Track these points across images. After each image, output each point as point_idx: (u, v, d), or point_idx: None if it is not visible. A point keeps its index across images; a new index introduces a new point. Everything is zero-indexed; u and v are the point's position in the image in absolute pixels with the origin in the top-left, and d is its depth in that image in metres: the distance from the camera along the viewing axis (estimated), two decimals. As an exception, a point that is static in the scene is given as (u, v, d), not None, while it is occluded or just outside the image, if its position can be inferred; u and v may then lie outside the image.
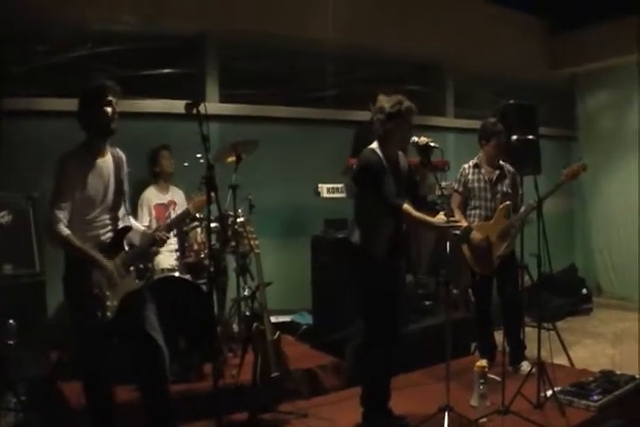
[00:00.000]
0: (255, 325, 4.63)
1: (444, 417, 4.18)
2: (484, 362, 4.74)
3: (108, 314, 3.64)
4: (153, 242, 3.93)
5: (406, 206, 4.20)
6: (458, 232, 4.57)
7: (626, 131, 9.39)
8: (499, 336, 5.66)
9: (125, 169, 3.99)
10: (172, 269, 5.32)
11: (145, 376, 3.89)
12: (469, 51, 8.28)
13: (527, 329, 5.52)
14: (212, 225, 4.85)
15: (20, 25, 5.59)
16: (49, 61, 5.86)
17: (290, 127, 7.21)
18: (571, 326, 7.96)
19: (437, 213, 4.27)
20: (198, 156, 4.65)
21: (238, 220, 5.01)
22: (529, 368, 4.99)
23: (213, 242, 5.07)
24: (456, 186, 5.69)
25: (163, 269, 5.34)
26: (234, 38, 6.81)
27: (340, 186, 6.41)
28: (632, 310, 8.36)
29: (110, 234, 3.83)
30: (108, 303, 3.65)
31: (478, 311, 5.80)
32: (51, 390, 4.82)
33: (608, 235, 9.84)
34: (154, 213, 5.79)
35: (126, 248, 3.85)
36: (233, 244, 5.25)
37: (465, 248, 5.54)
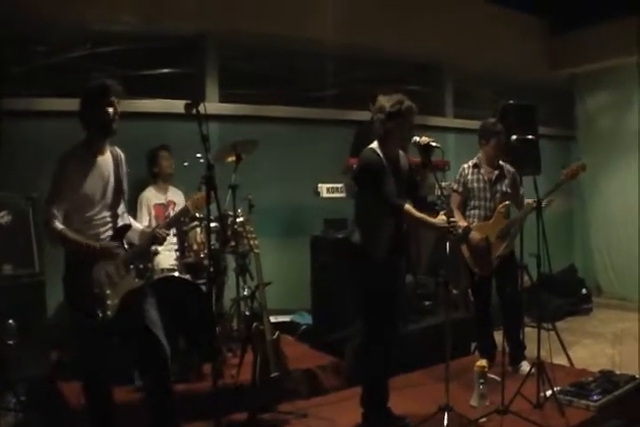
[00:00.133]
0: (255, 324, 4.63)
1: (443, 417, 4.18)
2: (483, 362, 4.73)
3: (109, 313, 3.63)
4: (153, 240, 3.93)
5: (408, 207, 4.20)
6: (459, 231, 4.58)
7: (625, 131, 9.39)
8: (498, 336, 5.66)
9: (125, 168, 3.99)
10: (172, 269, 5.31)
11: (148, 373, 3.90)
12: (469, 51, 8.28)
13: (527, 329, 5.52)
14: (212, 225, 4.86)
15: (20, 25, 5.59)
16: (49, 61, 5.86)
17: (289, 127, 7.21)
18: (570, 326, 7.96)
19: (437, 213, 4.27)
20: (198, 155, 4.66)
21: (238, 220, 5.02)
22: (528, 368, 4.99)
23: (213, 242, 5.07)
24: (455, 186, 5.70)
25: (162, 269, 5.33)
26: (233, 38, 6.81)
27: (339, 186, 6.41)
28: (632, 310, 8.35)
29: (110, 232, 3.83)
30: (109, 302, 3.65)
31: (478, 311, 5.80)
32: (50, 390, 4.82)
33: (607, 235, 9.84)
34: (153, 212, 5.78)
35: (126, 247, 3.86)
36: (232, 244, 5.25)
37: (464, 248, 5.54)
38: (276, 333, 4.69)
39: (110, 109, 3.72)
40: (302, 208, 7.09)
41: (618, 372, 5.28)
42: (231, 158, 5.42)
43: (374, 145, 4.31)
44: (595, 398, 4.64)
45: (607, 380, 5.00)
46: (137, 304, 3.79)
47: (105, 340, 3.81)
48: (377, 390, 4.42)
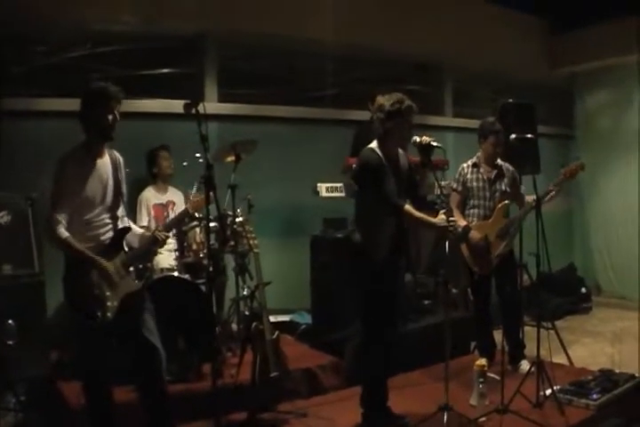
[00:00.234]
0: (254, 324, 4.64)
1: (443, 416, 4.19)
2: (483, 361, 4.73)
3: (109, 314, 3.64)
4: (153, 242, 3.94)
5: (407, 207, 4.19)
6: (458, 230, 4.58)
7: (625, 130, 9.40)
8: (498, 335, 5.67)
9: (123, 170, 4.00)
10: (171, 269, 5.31)
11: (142, 378, 3.91)
12: (469, 50, 8.29)
13: (526, 328, 5.53)
14: (211, 225, 4.87)
15: (20, 25, 5.60)
16: (48, 61, 5.86)
17: (289, 127, 7.22)
18: (570, 325, 7.97)
19: (437, 212, 4.27)
20: (197, 155, 4.66)
21: (237, 219, 5.02)
22: (528, 367, 4.99)
23: (212, 242, 5.07)
24: (455, 185, 5.69)
25: (162, 269, 5.34)
26: (233, 38, 6.81)
27: (339, 185, 6.40)
28: (631, 308, 8.36)
29: (110, 233, 3.84)
30: (109, 304, 3.65)
31: (477, 310, 5.80)
32: (50, 390, 4.83)
33: (607, 234, 9.85)
34: (152, 212, 5.78)
35: (125, 249, 3.86)
36: (232, 243, 5.25)
37: (464, 247, 5.54)
38: (276, 332, 4.68)
39: (110, 117, 3.72)
40: (302, 208, 7.09)
41: (617, 371, 5.28)
42: (230, 158, 5.42)
43: (374, 145, 4.30)
44: (594, 396, 4.63)
45: (607, 379, 5.00)
46: (135, 307, 3.80)
47: (105, 340, 3.81)
48: (377, 389, 4.42)
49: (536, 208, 4.70)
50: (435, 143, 4.24)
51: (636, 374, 5.15)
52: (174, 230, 5.18)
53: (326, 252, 6.05)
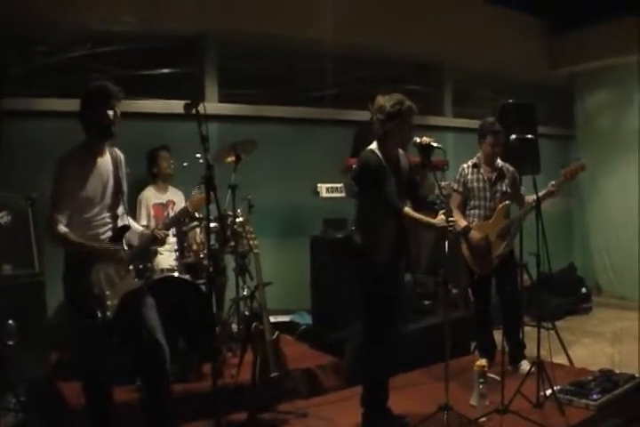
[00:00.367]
0: (254, 324, 4.64)
1: (443, 416, 4.19)
2: (483, 361, 4.73)
3: (108, 314, 3.64)
4: (152, 240, 3.94)
5: (407, 209, 4.19)
6: (457, 229, 4.58)
7: (625, 130, 9.39)
8: (498, 336, 5.67)
9: (124, 169, 4.00)
10: (172, 270, 5.31)
11: (146, 374, 3.91)
12: (469, 50, 8.29)
13: (526, 328, 5.52)
14: (212, 225, 4.87)
15: (20, 26, 5.60)
16: (48, 62, 5.86)
17: (289, 127, 7.22)
18: (570, 325, 7.97)
19: (437, 212, 4.27)
20: (197, 155, 4.66)
21: (237, 220, 5.02)
22: (528, 367, 5.00)
23: (212, 242, 5.08)
24: (455, 186, 5.69)
25: (162, 270, 5.33)
26: (233, 38, 6.81)
27: (339, 186, 6.39)
28: (631, 309, 8.36)
29: (110, 233, 3.84)
30: (109, 303, 3.65)
31: (477, 311, 5.80)
32: (50, 390, 4.83)
33: (607, 234, 9.85)
34: (152, 212, 5.79)
35: (125, 248, 3.86)
36: (232, 244, 5.25)
37: (464, 248, 5.54)
38: (276, 333, 4.69)
39: (110, 113, 3.72)
40: (302, 208, 7.09)
41: (617, 371, 5.28)
42: (231, 158, 5.42)
43: (373, 146, 4.29)
44: (594, 397, 4.63)
45: (607, 379, 5.00)
46: (136, 305, 3.80)
47: (105, 340, 3.81)
48: (377, 390, 4.41)
49: (536, 208, 4.70)
50: (435, 144, 4.23)
51: (636, 375, 5.15)
52: (174, 231, 5.19)
53: (326, 252, 6.05)
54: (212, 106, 6.24)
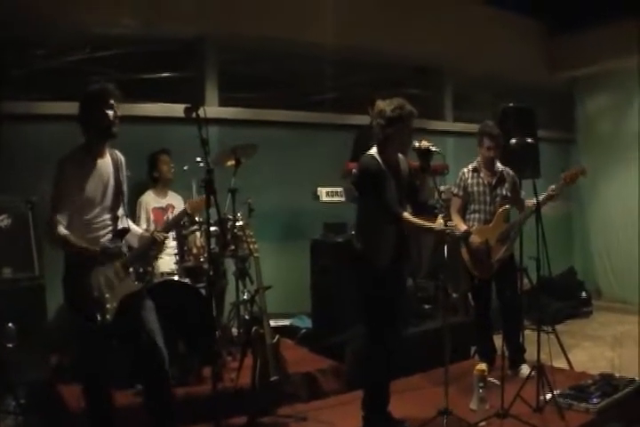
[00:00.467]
0: (254, 328, 4.64)
1: (443, 421, 4.18)
2: (483, 366, 4.72)
3: (108, 317, 3.64)
4: (152, 243, 3.94)
5: (405, 214, 4.18)
6: (456, 233, 4.57)
7: (625, 134, 9.39)
8: (498, 340, 5.66)
9: (124, 171, 4.00)
10: (172, 273, 5.31)
11: (146, 377, 3.90)
12: (469, 54, 8.29)
13: (526, 332, 5.52)
14: (212, 229, 4.86)
15: (20, 29, 5.60)
16: (48, 65, 5.86)
17: (289, 131, 7.23)
18: (570, 329, 7.97)
19: (436, 216, 4.27)
20: (198, 159, 4.66)
21: (237, 223, 5.02)
22: (528, 371, 4.99)
23: (213, 246, 5.07)
24: (456, 190, 5.68)
25: (162, 273, 5.33)
26: (233, 42, 6.82)
27: (339, 190, 6.39)
28: (632, 313, 8.36)
29: (110, 235, 3.84)
30: (108, 306, 3.65)
31: (477, 315, 5.79)
32: (50, 393, 4.82)
33: (607, 238, 9.84)
34: (152, 216, 5.78)
35: (125, 250, 3.86)
36: (232, 247, 5.25)
37: (464, 252, 5.54)
38: (276, 336, 4.69)
39: (110, 112, 3.73)
40: (302, 212, 7.09)
41: (617, 375, 5.27)
42: (231, 162, 5.42)
43: (373, 151, 4.28)
44: (594, 401, 4.62)
45: (607, 383, 4.99)
46: (135, 308, 3.80)
47: (105, 343, 3.81)
48: (378, 394, 4.41)
49: (536, 212, 4.70)
50: (434, 148, 4.23)
51: (637, 379, 5.13)
52: (174, 234, 5.19)
53: (326, 256, 6.05)
54: (212, 110, 6.25)
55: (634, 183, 8.92)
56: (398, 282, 4.43)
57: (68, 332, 4.14)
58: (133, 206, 5.63)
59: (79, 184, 3.69)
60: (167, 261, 5.37)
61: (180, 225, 4.90)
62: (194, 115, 3.58)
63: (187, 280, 5.16)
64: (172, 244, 5.26)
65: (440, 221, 4.15)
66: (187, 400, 4.56)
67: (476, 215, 5.57)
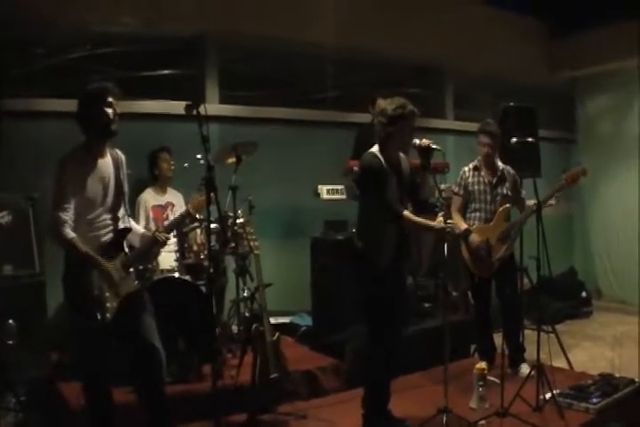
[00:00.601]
0: (254, 326, 4.64)
1: (442, 419, 4.18)
2: (483, 364, 4.72)
3: (108, 315, 3.64)
4: (153, 243, 3.93)
5: (406, 212, 4.18)
6: (456, 231, 4.57)
7: (625, 135, 9.39)
8: (498, 339, 5.66)
9: (125, 170, 3.99)
10: (172, 270, 5.32)
11: (141, 379, 3.90)
12: (469, 53, 8.29)
13: (527, 332, 5.51)
14: (212, 226, 4.87)
15: (20, 27, 5.60)
16: (48, 63, 5.86)
17: (289, 129, 7.23)
18: (570, 329, 7.97)
19: (437, 215, 4.27)
20: (198, 157, 4.66)
21: (238, 221, 5.02)
22: (528, 371, 4.98)
23: (213, 243, 5.07)
24: (456, 189, 5.68)
25: (162, 270, 5.34)
26: (233, 40, 6.82)
27: (339, 187, 6.40)
28: (632, 313, 8.37)
29: (111, 235, 3.83)
30: (108, 305, 3.65)
31: (477, 314, 5.79)
32: (50, 390, 4.82)
33: (607, 238, 9.84)
34: (151, 214, 5.79)
35: (126, 250, 3.86)
36: (232, 245, 5.24)
37: (464, 251, 5.54)
38: (276, 334, 4.69)
39: (109, 110, 3.72)
40: (302, 210, 7.10)
41: (617, 375, 5.27)
42: (231, 160, 5.42)
43: (375, 149, 4.28)
44: (594, 400, 4.62)
45: (607, 383, 4.99)
46: (135, 309, 3.80)
47: (104, 341, 3.80)
48: (378, 392, 4.41)
49: (537, 212, 4.70)
50: (434, 146, 4.23)
51: (636, 379, 5.13)
52: (175, 231, 5.19)
53: (327, 254, 6.06)
54: (212, 107, 6.22)
55: (634, 184, 8.92)
56: (398, 281, 4.43)
57: (68, 329, 4.13)
58: (133, 204, 5.63)
59: (80, 183, 3.68)
60: (167, 258, 5.37)
61: (181, 225, 4.91)
62: (194, 112, 3.57)
63: (187, 277, 5.16)
64: (172, 240, 5.25)
65: (440, 219, 4.15)
66: (187, 398, 4.56)
67: (477, 214, 5.57)
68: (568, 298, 8.82)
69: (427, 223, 4.19)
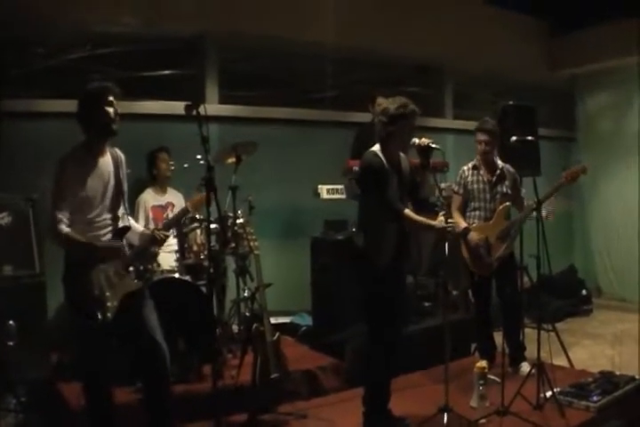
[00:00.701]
0: (255, 326, 4.64)
1: (443, 418, 4.19)
2: (483, 363, 4.72)
3: (108, 315, 3.63)
4: (152, 241, 3.93)
5: (407, 211, 4.18)
6: (455, 230, 4.56)
7: (625, 133, 9.40)
8: (498, 337, 5.66)
9: (125, 169, 4.00)
10: (172, 271, 5.31)
11: (146, 376, 3.90)
12: (469, 52, 8.30)
13: (527, 330, 5.51)
14: (212, 226, 4.87)
15: (20, 27, 5.60)
16: (48, 63, 5.86)
17: (289, 129, 7.23)
18: (570, 327, 7.97)
19: (437, 214, 4.27)
20: (198, 157, 4.66)
21: (238, 221, 5.01)
22: (528, 369, 4.98)
23: (213, 243, 5.08)
24: (456, 188, 5.68)
25: (162, 271, 5.32)
26: (233, 40, 6.82)
27: (339, 187, 6.39)
28: (632, 311, 8.36)
29: (110, 234, 3.83)
30: (109, 304, 3.64)
31: (478, 312, 5.79)
32: (51, 391, 4.82)
33: (607, 236, 9.85)
34: (151, 214, 5.79)
35: (126, 248, 3.86)
36: (232, 245, 5.25)
37: (464, 249, 5.54)
38: (276, 334, 4.69)
39: (110, 110, 3.72)
40: (302, 209, 7.10)
41: (618, 373, 5.28)
42: (231, 160, 5.42)
43: (376, 148, 4.28)
44: (595, 398, 4.63)
45: (607, 381, 5.00)
46: (135, 306, 3.79)
47: (105, 341, 3.81)
48: (378, 391, 4.41)
49: (536, 211, 4.70)
50: (433, 145, 4.23)
51: (637, 376, 5.14)
52: (175, 232, 5.19)
53: (327, 254, 6.05)
54: (212, 107, 6.24)
55: (634, 182, 8.93)
56: (398, 280, 4.43)
57: (68, 330, 4.13)
58: (132, 204, 5.63)
59: (80, 182, 3.69)
60: (167, 259, 5.37)
61: (180, 223, 4.90)
62: (194, 112, 3.57)
63: (187, 278, 5.16)
64: (172, 241, 5.26)
65: (441, 218, 4.15)
66: (187, 398, 4.56)
67: (477, 213, 5.57)
68: (568, 296, 8.83)
69: (428, 222, 4.20)
